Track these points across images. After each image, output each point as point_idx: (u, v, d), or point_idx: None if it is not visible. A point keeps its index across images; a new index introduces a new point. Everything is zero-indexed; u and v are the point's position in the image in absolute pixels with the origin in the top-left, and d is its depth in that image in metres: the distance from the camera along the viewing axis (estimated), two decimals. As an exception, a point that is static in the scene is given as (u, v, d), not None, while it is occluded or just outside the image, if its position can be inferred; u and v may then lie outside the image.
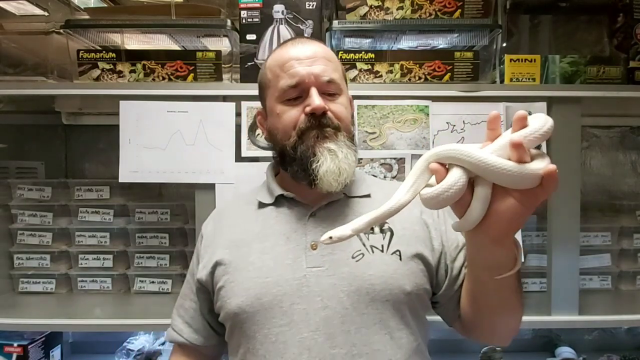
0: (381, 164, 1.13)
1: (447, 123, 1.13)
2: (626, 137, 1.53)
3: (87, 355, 1.53)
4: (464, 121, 1.13)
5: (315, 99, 0.74)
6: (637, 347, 1.51)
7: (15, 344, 1.27)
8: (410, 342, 0.73)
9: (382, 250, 0.75)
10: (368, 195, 0.83)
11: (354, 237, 0.69)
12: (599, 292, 1.34)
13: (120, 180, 1.13)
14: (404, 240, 0.77)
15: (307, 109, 0.75)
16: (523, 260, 1.14)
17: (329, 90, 0.77)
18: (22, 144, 1.50)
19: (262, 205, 0.83)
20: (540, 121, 0.50)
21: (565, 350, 1.44)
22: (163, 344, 1.48)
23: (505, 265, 0.59)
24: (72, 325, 1.19)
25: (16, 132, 1.46)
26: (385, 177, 1.13)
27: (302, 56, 0.77)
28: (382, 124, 1.13)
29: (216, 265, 0.79)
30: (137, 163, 1.12)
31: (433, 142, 1.13)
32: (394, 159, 1.13)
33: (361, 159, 1.13)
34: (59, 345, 1.40)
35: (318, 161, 0.74)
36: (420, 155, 1.06)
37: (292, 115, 0.76)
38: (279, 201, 0.82)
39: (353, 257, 0.74)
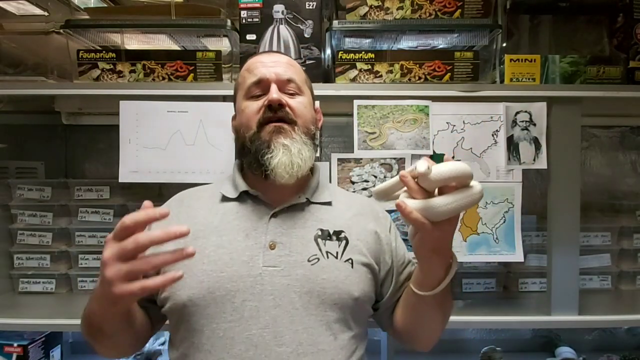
0: (381, 164, 1.13)
1: (447, 123, 1.13)
2: (626, 137, 1.53)
3: (87, 355, 1.53)
4: (464, 121, 1.13)
5: (273, 93, 0.80)
6: (637, 347, 1.52)
7: (15, 344, 1.27)
8: (351, 344, 0.77)
9: (337, 257, 0.79)
10: (329, 203, 0.86)
11: (312, 242, 0.79)
12: (599, 292, 1.34)
13: (120, 180, 1.13)
14: (357, 249, 0.81)
15: (265, 102, 0.80)
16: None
17: (289, 89, 0.83)
18: (22, 144, 1.50)
19: (225, 199, 0.85)
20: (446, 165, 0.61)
21: (565, 350, 1.44)
22: (163, 343, 1.48)
23: (436, 277, 0.71)
24: (72, 325, 1.18)
25: (16, 132, 1.46)
26: (385, 177, 1.13)
27: (266, 60, 0.85)
28: (382, 124, 1.13)
29: None
30: (137, 163, 1.12)
31: (433, 142, 1.13)
32: (394, 159, 1.13)
33: (361, 159, 1.13)
34: (59, 345, 1.40)
35: (271, 154, 0.77)
36: (420, 156, 1.07)
37: (254, 108, 0.82)
38: (242, 197, 0.84)
39: (309, 261, 0.77)
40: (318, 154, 1.13)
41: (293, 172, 0.77)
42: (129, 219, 0.59)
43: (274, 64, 0.84)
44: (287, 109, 0.81)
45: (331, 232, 0.81)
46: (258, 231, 0.79)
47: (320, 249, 0.79)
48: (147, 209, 0.60)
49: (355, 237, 0.82)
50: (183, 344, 0.76)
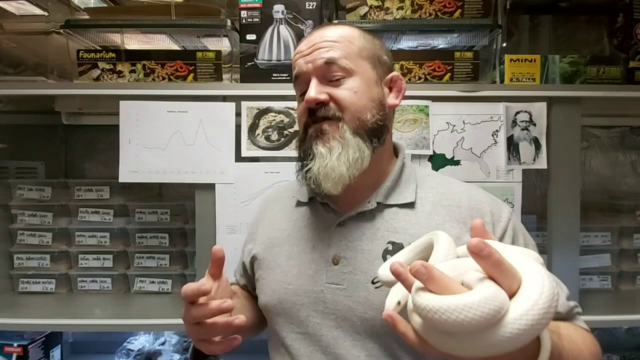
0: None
1: (447, 123, 1.13)
2: (626, 137, 1.53)
3: (87, 355, 1.53)
4: (464, 121, 1.13)
5: (310, 90, 0.67)
6: (637, 347, 1.51)
7: (15, 344, 1.27)
8: None
9: None
10: (411, 205, 0.70)
11: (379, 259, 0.66)
12: (599, 292, 1.34)
13: (120, 180, 1.13)
14: None
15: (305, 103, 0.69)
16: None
17: (332, 76, 0.68)
18: (22, 144, 1.50)
19: (299, 203, 0.78)
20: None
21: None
22: (163, 343, 1.48)
23: None
24: (72, 325, 1.19)
25: (16, 132, 1.46)
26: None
27: (304, 47, 0.71)
28: (382, 124, 1.13)
29: (254, 258, 0.80)
30: (137, 163, 1.12)
31: (433, 142, 1.13)
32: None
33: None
34: (59, 345, 1.40)
35: (308, 163, 0.68)
36: (420, 155, 1.05)
37: (301, 109, 0.72)
38: (313, 201, 0.76)
39: (373, 282, 0.67)
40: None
41: (336, 180, 0.66)
42: (189, 291, 0.58)
43: (311, 49, 0.69)
44: (332, 103, 0.68)
45: (405, 246, 0.64)
46: (323, 243, 0.72)
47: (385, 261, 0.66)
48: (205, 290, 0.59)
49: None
50: (270, 339, 0.79)
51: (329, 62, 0.67)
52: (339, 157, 0.66)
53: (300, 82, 0.71)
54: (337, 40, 0.69)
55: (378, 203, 0.70)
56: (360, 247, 0.69)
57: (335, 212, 0.73)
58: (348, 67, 0.68)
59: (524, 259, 0.45)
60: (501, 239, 0.67)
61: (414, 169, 0.76)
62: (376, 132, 0.69)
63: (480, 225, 0.50)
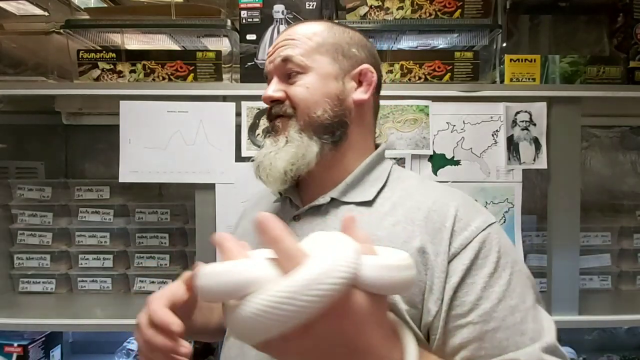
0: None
1: (447, 123, 1.13)
2: (626, 137, 1.53)
3: (87, 355, 1.53)
4: (464, 121, 1.13)
5: (268, 88, 0.68)
6: (637, 347, 1.51)
7: (15, 344, 1.27)
8: None
9: None
10: (368, 204, 0.66)
11: None
12: (599, 292, 1.34)
13: (120, 180, 1.13)
14: None
15: None
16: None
17: (288, 73, 0.68)
18: (22, 144, 1.50)
19: (276, 199, 0.77)
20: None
21: (565, 351, 1.44)
22: (163, 344, 1.48)
23: None
24: (72, 325, 1.19)
25: (16, 132, 1.46)
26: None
27: (270, 48, 0.72)
28: (382, 124, 1.13)
29: None
30: (137, 163, 1.12)
31: (433, 142, 1.13)
32: (394, 159, 1.13)
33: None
34: (59, 345, 1.40)
35: (254, 158, 0.69)
36: (420, 155, 1.05)
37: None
38: (283, 197, 0.75)
39: None
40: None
41: (274, 175, 0.65)
42: (157, 318, 0.56)
43: (274, 48, 0.70)
44: (287, 101, 0.67)
45: None
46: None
47: None
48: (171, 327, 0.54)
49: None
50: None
51: (285, 60, 0.67)
52: (279, 152, 0.65)
53: (269, 81, 0.71)
54: (295, 37, 0.69)
55: (333, 199, 0.67)
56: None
57: (295, 207, 0.71)
58: (302, 63, 0.67)
59: (324, 246, 0.38)
60: (457, 253, 0.56)
61: (390, 169, 0.70)
62: (329, 128, 0.66)
63: (349, 219, 0.45)
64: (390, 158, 0.74)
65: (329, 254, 0.36)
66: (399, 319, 0.51)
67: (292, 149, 0.65)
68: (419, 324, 0.56)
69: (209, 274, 0.37)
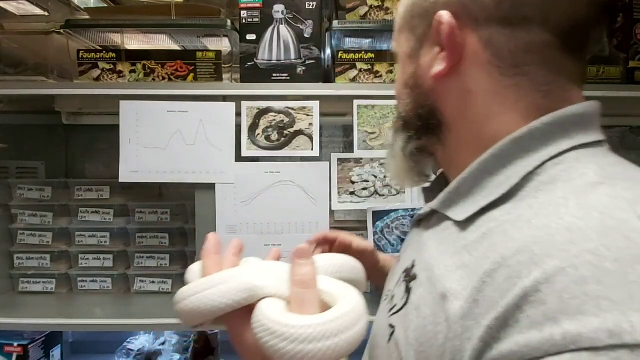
0: (381, 164, 1.13)
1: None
2: (626, 137, 1.53)
3: (87, 355, 1.53)
4: (464, 121, 1.13)
5: None
6: (637, 347, 1.51)
7: (15, 344, 1.27)
8: None
9: (390, 311, 0.47)
10: (461, 224, 0.43)
11: (399, 274, 0.50)
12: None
13: (120, 180, 1.13)
14: (412, 316, 0.42)
15: None
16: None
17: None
18: (22, 144, 1.50)
19: None
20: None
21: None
22: (163, 343, 1.48)
23: None
24: (72, 325, 1.19)
25: (16, 132, 1.46)
26: (385, 177, 1.13)
27: None
28: (382, 124, 1.13)
29: None
30: (137, 163, 1.12)
31: (433, 142, 1.13)
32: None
33: (361, 159, 1.13)
34: (59, 345, 1.40)
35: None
36: None
37: None
38: None
39: (384, 299, 0.53)
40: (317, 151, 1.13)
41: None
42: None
43: None
44: None
45: (412, 273, 0.46)
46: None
47: (394, 288, 0.49)
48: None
49: (415, 302, 0.42)
50: None
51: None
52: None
53: None
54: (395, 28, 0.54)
55: (433, 210, 0.49)
56: (405, 254, 0.55)
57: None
58: (395, 52, 0.54)
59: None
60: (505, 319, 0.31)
61: (540, 167, 0.39)
62: (410, 122, 0.52)
63: (297, 251, 0.43)
64: (584, 143, 0.40)
65: (214, 278, 0.41)
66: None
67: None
68: None
69: (187, 271, 0.49)
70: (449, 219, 0.45)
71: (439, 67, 0.45)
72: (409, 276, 0.46)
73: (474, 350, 0.32)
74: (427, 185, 0.58)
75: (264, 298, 0.39)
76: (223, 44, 1.22)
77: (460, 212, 0.44)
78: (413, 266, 0.47)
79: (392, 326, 0.44)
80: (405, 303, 0.44)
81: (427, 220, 0.51)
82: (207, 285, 0.39)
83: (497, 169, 0.42)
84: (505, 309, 0.31)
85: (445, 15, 0.42)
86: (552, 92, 0.42)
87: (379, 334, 0.47)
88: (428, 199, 0.54)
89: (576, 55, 0.44)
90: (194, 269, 0.47)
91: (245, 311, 0.40)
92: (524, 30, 0.41)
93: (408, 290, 0.44)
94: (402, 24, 0.51)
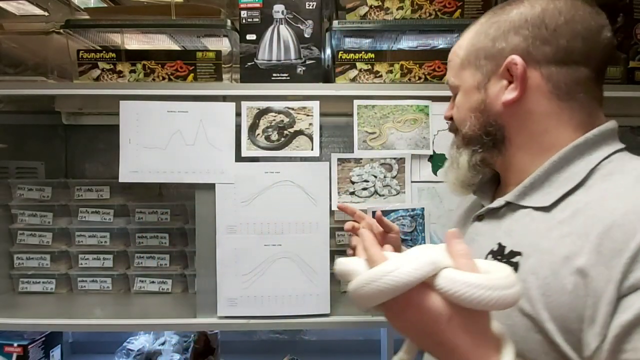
0: (381, 164, 1.13)
1: (447, 123, 1.13)
2: (626, 137, 1.52)
3: (87, 355, 1.53)
4: (464, 121, 1.13)
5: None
6: None
7: (15, 344, 1.27)
8: None
9: None
10: (546, 209, 0.58)
11: (482, 257, 0.63)
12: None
13: (120, 180, 1.13)
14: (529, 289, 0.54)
15: None
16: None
17: (453, 92, 0.72)
18: (22, 144, 1.50)
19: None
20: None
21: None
22: (163, 343, 1.48)
23: None
24: (72, 325, 1.19)
25: (16, 132, 1.46)
26: (385, 177, 1.13)
27: None
28: (382, 124, 1.13)
29: None
30: (137, 163, 1.12)
31: (433, 142, 1.13)
32: (394, 159, 1.13)
33: (361, 159, 1.13)
34: (59, 345, 1.40)
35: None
36: (420, 155, 1.05)
37: None
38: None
39: None
40: (317, 153, 1.13)
41: (449, 185, 0.74)
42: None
43: None
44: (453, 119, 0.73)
45: (506, 251, 0.59)
46: (463, 231, 0.73)
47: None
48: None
49: (529, 269, 0.54)
50: None
51: (449, 84, 0.72)
52: (447, 169, 0.74)
53: None
54: (450, 57, 0.72)
55: (508, 202, 0.64)
56: (477, 242, 0.67)
57: (481, 206, 0.71)
58: (454, 84, 0.71)
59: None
60: (638, 287, 0.45)
61: (598, 164, 0.58)
62: (477, 139, 0.67)
63: (450, 233, 0.49)
64: (620, 148, 0.62)
65: (395, 261, 0.47)
66: (504, 335, 0.49)
67: (448, 165, 0.73)
68: (578, 354, 0.49)
69: (337, 263, 0.55)
70: (525, 207, 0.61)
71: (509, 95, 0.62)
72: (503, 255, 0.60)
73: (616, 282, 0.46)
74: (473, 189, 0.74)
75: (442, 269, 0.47)
76: (223, 44, 1.22)
77: (541, 200, 0.59)
78: (503, 247, 0.60)
79: None
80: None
81: (493, 214, 0.67)
82: (396, 266, 0.46)
83: (564, 167, 0.59)
84: (634, 251, 0.46)
85: (517, 58, 0.60)
86: (592, 113, 0.62)
87: None
88: (485, 199, 0.71)
89: (600, 83, 0.62)
90: (351, 261, 0.53)
91: (422, 285, 0.47)
92: (573, 68, 0.59)
93: (513, 264, 0.57)
94: (466, 63, 0.67)
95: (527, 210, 0.61)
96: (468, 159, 0.69)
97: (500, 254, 0.60)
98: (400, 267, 0.46)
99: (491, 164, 0.69)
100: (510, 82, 0.62)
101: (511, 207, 0.64)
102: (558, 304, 0.50)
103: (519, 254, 0.57)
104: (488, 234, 0.66)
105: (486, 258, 0.62)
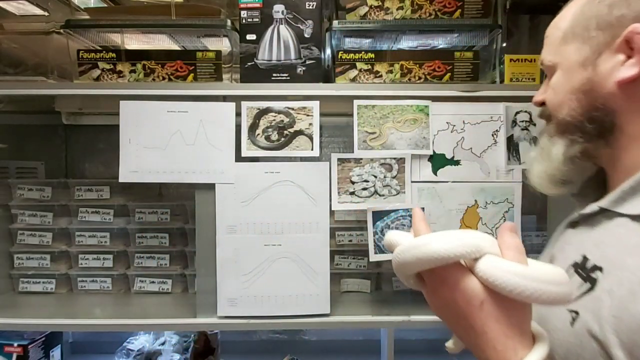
0: (381, 164, 1.13)
1: (447, 123, 1.13)
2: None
3: (87, 355, 1.53)
4: (463, 121, 1.13)
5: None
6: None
7: (15, 344, 1.27)
8: None
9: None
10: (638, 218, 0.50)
11: (566, 266, 0.56)
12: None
13: (120, 180, 1.13)
14: (596, 307, 0.48)
15: None
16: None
17: (549, 71, 0.61)
18: (22, 144, 1.50)
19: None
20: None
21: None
22: (163, 343, 1.48)
23: None
24: (72, 325, 1.19)
25: (16, 132, 1.46)
26: (385, 177, 1.13)
27: None
28: (382, 124, 1.13)
29: None
30: (137, 163, 1.12)
31: (433, 142, 1.13)
32: (394, 159, 1.13)
33: (361, 159, 1.13)
34: (59, 345, 1.40)
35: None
36: (420, 155, 1.03)
37: None
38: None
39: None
40: (318, 153, 1.13)
41: (532, 183, 0.65)
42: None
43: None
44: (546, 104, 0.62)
45: (588, 265, 0.52)
46: (555, 237, 0.67)
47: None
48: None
49: (606, 287, 0.48)
50: None
51: (543, 64, 0.62)
52: (534, 159, 0.64)
53: None
54: (547, 33, 0.61)
55: (602, 208, 0.55)
56: (565, 251, 0.60)
57: (579, 209, 0.62)
58: (550, 64, 0.60)
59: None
60: None
61: None
62: (578, 126, 0.56)
63: (505, 226, 0.48)
64: None
65: (437, 234, 0.46)
66: (543, 336, 0.47)
67: (536, 155, 0.63)
68: None
69: (386, 234, 0.55)
70: (622, 215, 0.52)
71: (627, 72, 0.51)
72: (585, 268, 0.53)
73: None
74: (573, 191, 0.65)
75: (484, 255, 0.45)
76: (223, 44, 1.22)
77: (631, 207, 0.51)
78: (586, 260, 0.53)
79: (573, 311, 0.51)
80: (589, 290, 0.50)
81: (587, 221, 0.58)
82: (437, 239, 0.46)
83: None
84: None
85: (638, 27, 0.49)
86: None
87: (554, 318, 0.53)
88: (581, 203, 0.61)
89: None
90: (398, 233, 0.53)
91: (459, 265, 0.46)
92: None
93: (591, 280, 0.50)
94: (570, 36, 0.57)
95: (623, 220, 0.52)
96: (564, 150, 0.58)
97: (582, 268, 0.53)
98: (442, 240, 0.45)
99: (594, 157, 0.58)
100: (629, 57, 0.51)
101: (607, 214, 0.54)
102: (630, 330, 0.43)
103: (599, 269, 0.50)
104: (576, 244, 0.58)
105: (567, 271, 0.54)
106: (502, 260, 0.45)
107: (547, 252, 0.67)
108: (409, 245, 0.48)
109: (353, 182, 1.13)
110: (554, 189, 0.62)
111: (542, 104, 0.63)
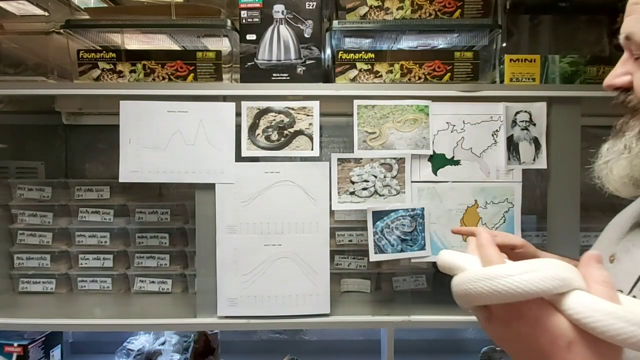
0: (381, 164, 1.13)
1: (447, 123, 1.13)
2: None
3: (87, 355, 1.53)
4: (463, 121, 1.13)
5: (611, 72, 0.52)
6: None
7: (15, 344, 1.27)
8: None
9: None
10: None
11: (637, 273, 0.51)
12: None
13: (120, 180, 1.13)
14: None
15: None
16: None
17: (636, 53, 0.51)
18: (22, 144, 1.50)
19: None
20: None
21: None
22: (163, 343, 1.48)
23: None
24: (72, 325, 1.19)
25: (16, 132, 1.46)
26: (385, 177, 1.13)
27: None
28: (382, 124, 1.13)
29: None
30: (137, 163, 1.12)
31: (433, 142, 1.13)
32: (394, 159, 1.13)
33: (361, 159, 1.13)
34: (59, 345, 1.40)
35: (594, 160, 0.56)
36: (420, 155, 1.02)
37: None
38: None
39: (621, 291, 0.50)
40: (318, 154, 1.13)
41: (610, 188, 0.56)
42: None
43: (627, 11, 0.52)
44: (633, 90, 0.51)
45: None
46: (622, 236, 0.61)
47: (636, 285, 0.51)
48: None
49: None
50: None
51: (628, 38, 0.52)
52: (614, 162, 0.54)
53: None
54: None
55: None
56: (632, 253, 0.55)
57: None
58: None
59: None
60: None
61: None
62: None
63: (588, 256, 0.42)
64: None
65: (517, 266, 0.41)
66: None
67: (624, 161, 0.52)
68: None
69: (442, 254, 0.52)
70: None
71: None
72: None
73: None
74: None
75: (573, 290, 0.40)
76: (223, 44, 1.22)
77: None
78: None
79: None
80: None
81: None
82: (519, 271, 0.41)
83: None
84: None
85: None
86: None
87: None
88: None
89: None
90: (460, 255, 0.49)
91: (542, 300, 0.41)
92: None
93: None
94: None
95: None
96: None
97: None
98: (524, 273, 0.40)
99: None
100: None
101: None
102: None
103: None
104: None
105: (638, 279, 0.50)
106: (595, 299, 0.40)
107: (605, 250, 0.59)
108: (481, 274, 0.43)
109: (353, 182, 1.13)
110: (634, 191, 0.54)
111: (626, 89, 0.52)
